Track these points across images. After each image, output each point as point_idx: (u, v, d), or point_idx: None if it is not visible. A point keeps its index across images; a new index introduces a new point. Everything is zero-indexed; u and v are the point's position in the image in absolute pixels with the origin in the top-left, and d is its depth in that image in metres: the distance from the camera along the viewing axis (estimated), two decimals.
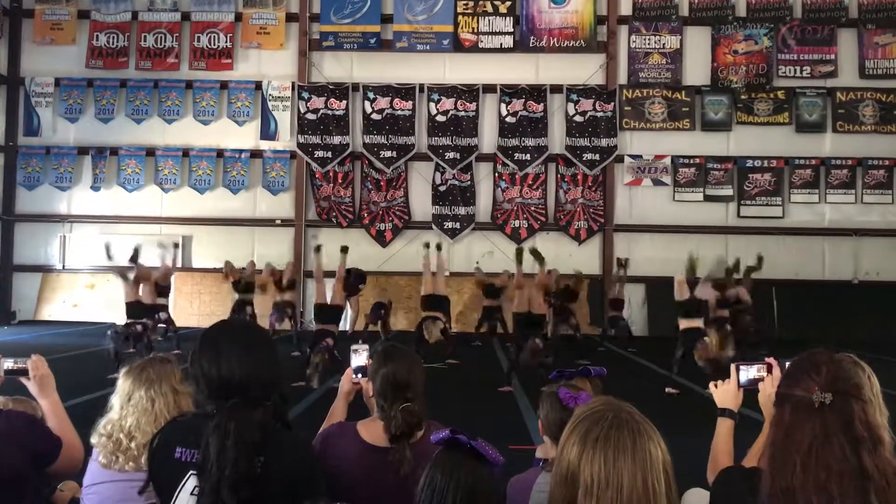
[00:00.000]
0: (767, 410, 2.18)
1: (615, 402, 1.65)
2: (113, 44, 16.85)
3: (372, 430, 2.56)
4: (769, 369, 2.35)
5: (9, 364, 2.90)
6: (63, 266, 16.61)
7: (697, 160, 16.37)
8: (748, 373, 2.38)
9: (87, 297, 16.44)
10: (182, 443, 2.04)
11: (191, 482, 1.97)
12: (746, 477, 1.87)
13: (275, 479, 1.98)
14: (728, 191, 16.38)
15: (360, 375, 2.83)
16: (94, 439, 2.73)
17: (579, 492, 1.52)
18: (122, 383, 2.78)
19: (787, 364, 2.02)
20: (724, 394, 2.41)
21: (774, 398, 1.86)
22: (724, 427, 2.39)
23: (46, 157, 16.80)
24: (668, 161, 16.38)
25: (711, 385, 2.42)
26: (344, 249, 11.00)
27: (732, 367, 2.41)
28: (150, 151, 16.72)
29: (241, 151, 16.69)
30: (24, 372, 2.91)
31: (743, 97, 16.40)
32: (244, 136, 16.79)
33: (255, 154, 16.71)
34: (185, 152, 16.71)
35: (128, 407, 2.72)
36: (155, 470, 2.09)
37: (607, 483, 1.51)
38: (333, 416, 2.88)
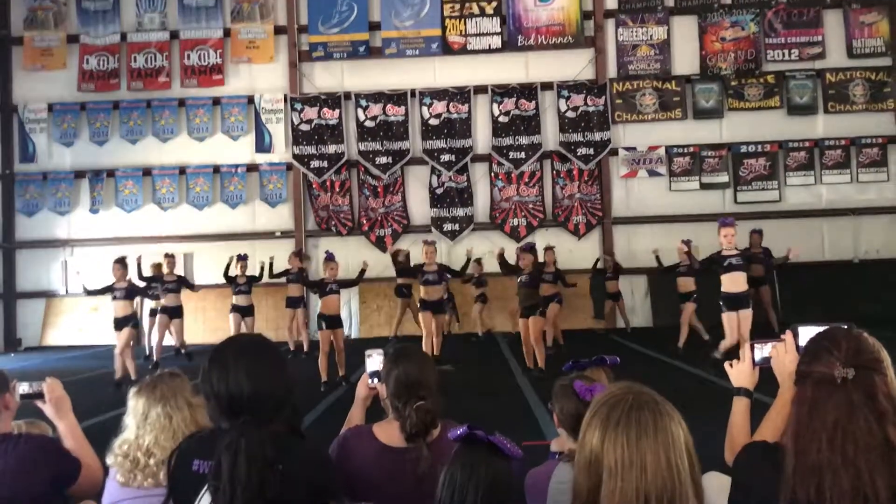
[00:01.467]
0: (782, 377, 2.17)
1: (634, 386, 1.67)
2: (104, 66, 16.90)
3: (388, 431, 2.59)
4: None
5: (24, 388, 2.91)
6: (66, 290, 16.64)
7: (691, 149, 16.42)
8: (762, 351, 2.35)
9: (92, 321, 16.45)
10: (199, 455, 2.06)
11: (207, 497, 1.97)
12: (769, 453, 1.89)
13: (292, 488, 2.01)
14: (724, 177, 16.43)
15: (375, 380, 2.84)
16: (109, 459, 2.76)
17: (603, 475, 1.55)
18: (136, 402, 2.80)
19: (805, 341, 2.00)
20: (739, 373, 2.39)
21: (795, 376, 1.87)
22: (739, 406, 2.37)
23: (44, 182, 16.85)
24: (662, 151, 16.43)
25: (727, 364, 2.40)
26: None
27: (746, 345, 2.39)
28: (147, 171, 16.77)
29: (237, 166, 16.74)
30: (40, 395, 2.93)
31: (733, 83, 16.46)
32: (239, 151, 16.84)
33: (252, 168, 16.76)
34: (182, 170, 16.76)
35: (145, 425, 2.74)
36: (174, 484, 2.11)
37: (631, 464, 1.53)
38: (351, 422, 2.91)
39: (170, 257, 13.15)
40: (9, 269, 16.97)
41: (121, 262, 11.15)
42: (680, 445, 1.57)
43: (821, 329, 1.97)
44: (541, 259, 11.79)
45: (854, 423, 1.68)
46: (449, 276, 11.65)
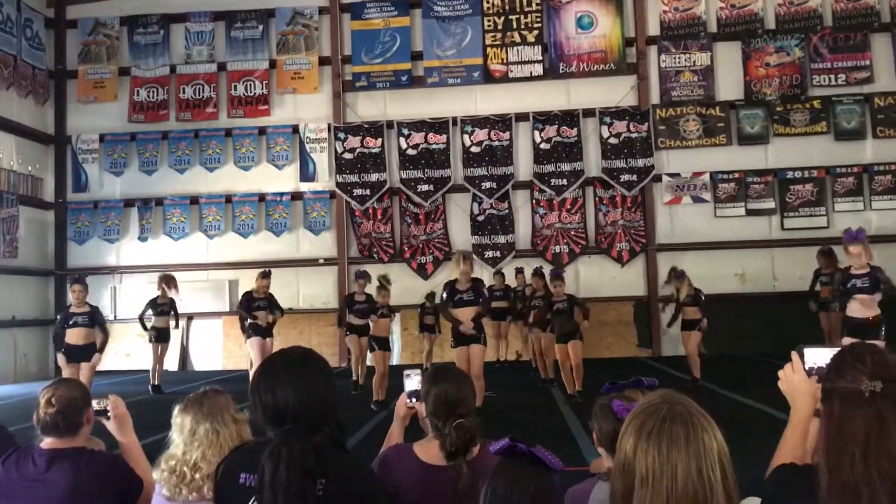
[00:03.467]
0: (792, 398, 2.14)
1: (672, 395, 1.66)
2: (153, 97, 17.37)
3: (428, 450, 2.61)
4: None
5: (93, 405, 3.04)
6: (115, 317, 16.96)
7: (737, 175, 16.23)
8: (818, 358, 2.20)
9: (139, 346, 16.73)
10: (246, 468, 2.09)
11: None
12: (801, 474, 1.86)
13: (337, 501, 2.02)
14: (770, 204, 16.18)
15: (413, 399, 2.87)
16: (156, 475, 2.81)
17: (635, 482, 1.55)
18: (182, 419, 2.85)
19: (811, 362, 2.06)
20: (790, 384, 2.26)
21: (821, 394, 1.84)
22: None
23: (94, 211, 17.29)
24: (706, 177, 16.27)
25: (780, 373, 2.25)
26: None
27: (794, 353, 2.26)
28: (194, 200, 17.12)
29: (281, 194, 17.00)
30: (105, 412, 3.06)
31: (778, 109, 16.27)
32: (284, 180, 17.11)
33: (296, 196, 17.00)
34: (228, 198, 17.07)
35: (192, 441, 2.79)
36: (221, 496, 2.15)
37: (661, 473, 1.52)
38: (391, 440, 2.93)
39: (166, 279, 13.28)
40: (61, 296, 17.35)
41: (166, 280, 11.54)
42: (713, 457, 1.55)
43: (826, 350, 2.00)
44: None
45: (885, 436, 1.66)
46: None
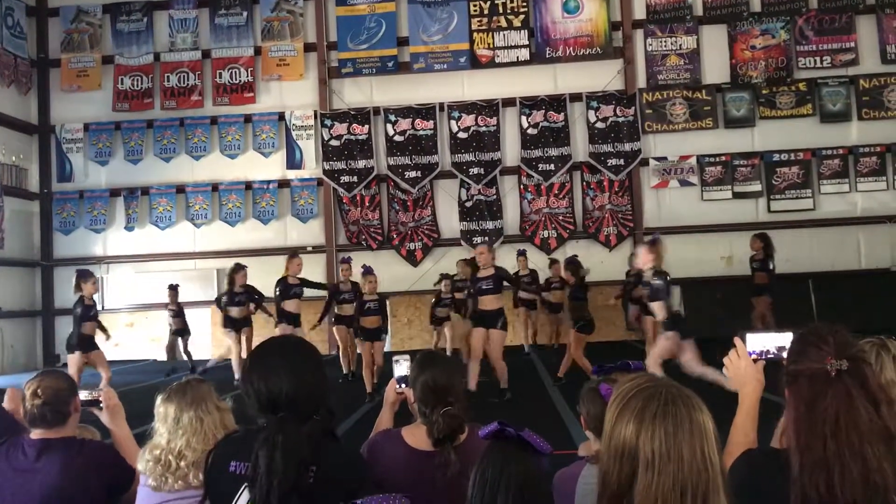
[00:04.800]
0: (740, 384, 2.16)
1: (661, 378, 1.66)
2: (138, 86, 17.22)
3: (416, 435, 2.64)
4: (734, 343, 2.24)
5: (84, 395, 3.07)
6: (102, 307, 16.85)
7: (723, 158, 16.28)
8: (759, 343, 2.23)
9: (128, 336, 16.70)
10: (236, 457, 2.11)
11: (245, 495, 2.03)
12: (770, 458, 1.88)
13: (326, 488, 2.03)
14: (756, 186, 16.26)
15: (403, 385, 2.90)
16: (140, 465, 2.83)
17: (640, 467, 1.54)
18: (165, 408, 2.87)
19: (753, 347, 2.12)
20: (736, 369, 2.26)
21: (785, 377, 1.87)
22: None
23: (80, 201, 17.17)
24: (693, 161, 16.31)
25: (726, 359, 2.25)
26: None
27: (737, 338, 2.27)
28: (181, 188, 17.03)
29: (268, 182, 16.93)
30: (97, 402, 3.10)
31: (764, 92, 16.31)
32: (271, 167, 17.04)
33: (283, 184, 16.94)
34: (215, 187, 16.99)
35: (176, 430, 2.80)
36: (211, 485, 2.16)
37: (668, 456, 1.52)
38: (380, 426, 2.96)
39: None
40: (47, 287, 17.29)
41: (240, 269, 11.74)
42: (712, 438, 1.57)
43: (767, 335, 2.08)
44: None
45: (855, 413, 1.71)
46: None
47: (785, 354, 2.10)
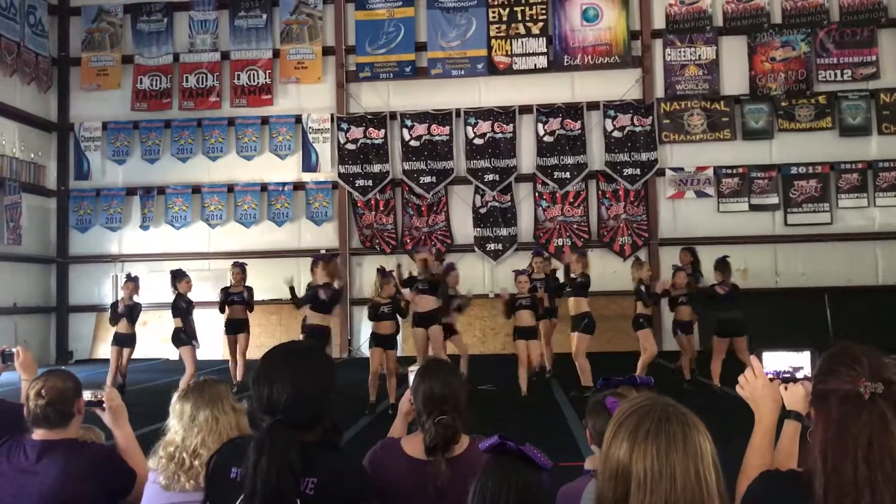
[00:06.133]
0: (756, 404, 2.11)
1: (659, 397, 1.63)
2: (156, 86, 17.34)
3: (414, 444, 2.64)
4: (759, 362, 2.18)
5: (87, 395, 3.07)
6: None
7: (740, 170, 16.17)
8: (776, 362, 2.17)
9: (141, 334, 16.70)
10: (237, 462, 2.08)
11: None
12: (790, 480, 1.82)
13: (327, 498, 2.01)
14: (773, 199, 16.13)
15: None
16: (152, 462, 2.80)
17: (632, 486, 1.52)
18: (181, 406, 2.84)
19: (771, 367, 2.08)
20: (791, 395, 2.22)
21: (812, 396, 1.82)
22: (789, 430, 2.20)
23: (97, 199, 17.29)
24: (710, 172, 16.21)
25: (781, 387, 2.16)
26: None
27: (753, 358, 2.20)
28: (196, 189, 17.11)
29: (284, 184, 16.98)
30: (100, 403, 3.09)
31: (783, 104, 16.19)
32: (287, 170, 17.09)
33: (298, 186, 16.98)
34: (230, 188, 17.06)
35: (192, 427, 2.78)
36: (211, 490, 2.15)
37: (661, 475, 1.50)
38: (392, 436, 2.94)
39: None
40: (62, 283, 17.40)
41: (240, 267, 11.73)
42: (708, 458, 1.54)
43: (784, 354, 2.04)
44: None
45: (890, 438, 1.65)
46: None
47: (800, 375, 2.07)
